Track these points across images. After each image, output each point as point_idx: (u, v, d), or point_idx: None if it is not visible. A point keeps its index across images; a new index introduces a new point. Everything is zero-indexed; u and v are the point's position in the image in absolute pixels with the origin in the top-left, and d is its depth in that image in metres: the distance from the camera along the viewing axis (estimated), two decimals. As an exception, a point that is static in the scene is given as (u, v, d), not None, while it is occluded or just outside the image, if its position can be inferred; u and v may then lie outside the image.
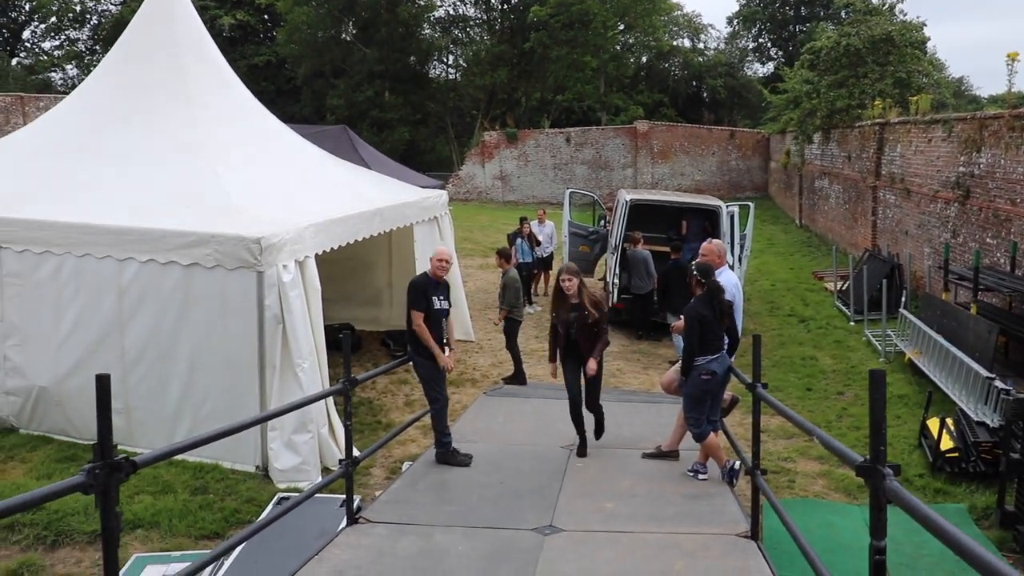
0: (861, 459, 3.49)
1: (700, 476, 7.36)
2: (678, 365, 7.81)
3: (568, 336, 8.11)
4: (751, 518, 6.15)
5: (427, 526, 6.23)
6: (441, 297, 7.76)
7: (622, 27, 46.23)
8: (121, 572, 5.94)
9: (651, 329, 14.95)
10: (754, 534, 5.97)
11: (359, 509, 6.40)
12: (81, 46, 57.72)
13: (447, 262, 7.87)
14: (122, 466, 3.14)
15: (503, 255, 11.94)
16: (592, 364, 8.05)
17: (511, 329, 11.44)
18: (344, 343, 6.19)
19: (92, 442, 8.66)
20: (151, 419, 8.71)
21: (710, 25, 68.42)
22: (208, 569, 5.68)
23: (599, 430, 8.46)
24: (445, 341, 7.85)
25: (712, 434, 7.29)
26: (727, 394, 7.91)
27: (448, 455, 7.71)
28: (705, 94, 51.37)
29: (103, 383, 3.16)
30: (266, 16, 50.15)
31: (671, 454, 7.88)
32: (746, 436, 8.39)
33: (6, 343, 9.17)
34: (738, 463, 7.26)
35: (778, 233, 28.71)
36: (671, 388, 8.01)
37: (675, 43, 51.43)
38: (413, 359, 7.82)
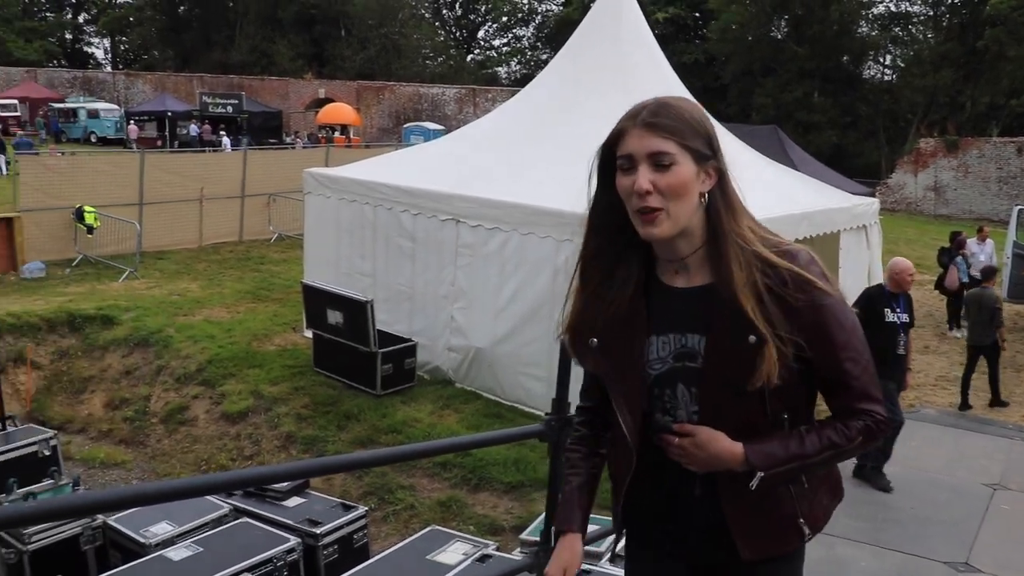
0: None
1: None
2: None
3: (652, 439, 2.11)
4: None
5: (829, 535, 6.08)
6: (897, 308, 7.40)
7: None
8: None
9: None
10: None
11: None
12: (525, 43, 63.00)
13: (911, 275, 7.58)
14: (572, 422, 3.43)
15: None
16: None
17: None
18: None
19: (514, 403, 9.62)
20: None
21: None
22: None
23: None
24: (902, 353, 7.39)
25: None
26: None
27: (871, 473, 7.40)
28: None
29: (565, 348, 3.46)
30: (697, 14, 50.82)
31: None
32: None
33: (454, 305, 10.32)
34: None
35: None
36: None
37: None
38: None
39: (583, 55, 11.62)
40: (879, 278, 12.30)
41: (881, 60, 50.20)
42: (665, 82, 11.86)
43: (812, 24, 43.15)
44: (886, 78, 49.54)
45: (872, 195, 16.88)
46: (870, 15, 47.14)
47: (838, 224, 11.28)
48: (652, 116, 1.96)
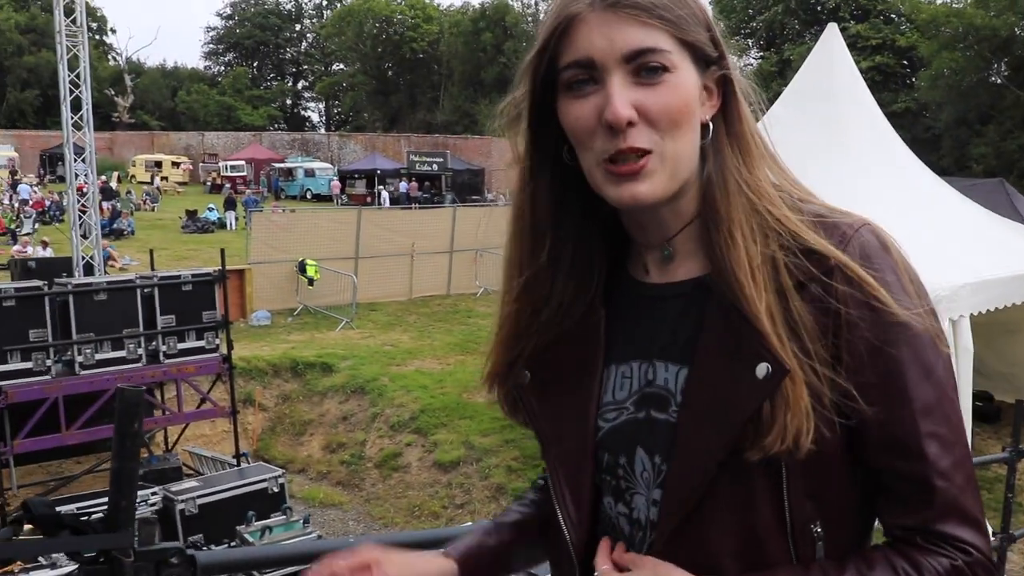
0: None
1: None
2: None
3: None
4: None
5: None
6: None
7: None
8: None
9: None
10: None
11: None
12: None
13: None
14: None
15: None
16: None
17: None
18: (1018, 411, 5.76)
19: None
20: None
21: None
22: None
23: None
24: None
25: None
26: None
27: None
28: None
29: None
30: (905, 62, 48.83)
31: None
32: None
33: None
34: None
35: None
36: None
37: None
38: None
39: (797, 110, 11.42)
40: None
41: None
42: (880, 135, 11.52)
43: (1035, 66, 40.47)
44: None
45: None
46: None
47: (1080, 285, 10.45)
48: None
